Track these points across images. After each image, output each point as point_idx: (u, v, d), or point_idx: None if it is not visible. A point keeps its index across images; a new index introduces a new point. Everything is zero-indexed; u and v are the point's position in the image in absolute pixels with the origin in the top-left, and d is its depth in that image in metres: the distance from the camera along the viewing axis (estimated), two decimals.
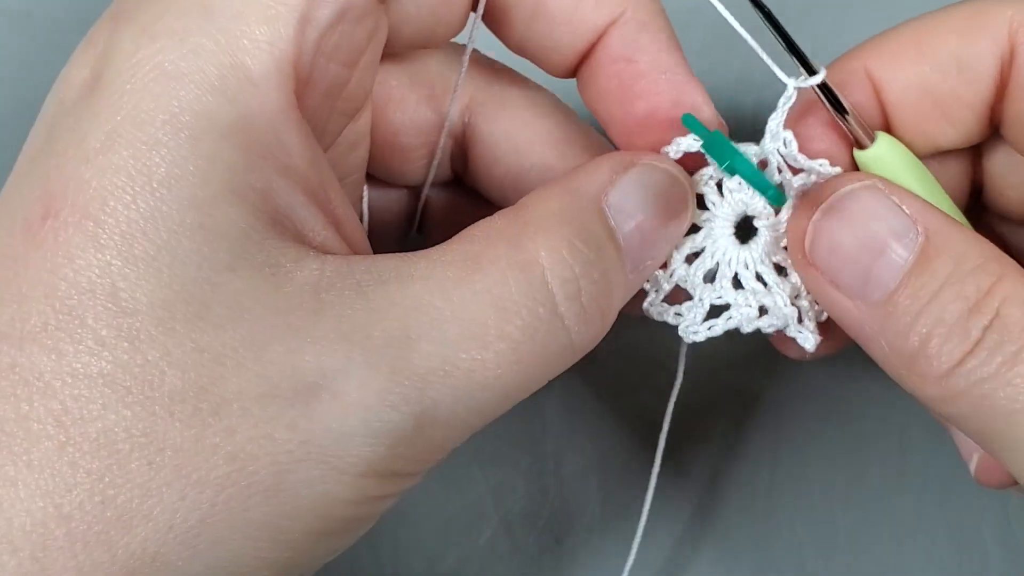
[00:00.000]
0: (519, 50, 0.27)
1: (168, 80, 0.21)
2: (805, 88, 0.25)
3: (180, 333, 0.20)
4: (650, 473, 0.37)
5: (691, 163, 0.26)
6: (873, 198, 0.24)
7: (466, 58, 0.27)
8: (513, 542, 0.37)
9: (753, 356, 0.37)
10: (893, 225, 0.24)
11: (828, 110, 0.25)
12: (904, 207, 0.24)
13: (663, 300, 0.27)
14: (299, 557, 0.21)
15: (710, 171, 0.26)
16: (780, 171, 0.26)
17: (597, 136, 0.28)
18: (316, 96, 0.23)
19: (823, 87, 0.25)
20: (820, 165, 0.26)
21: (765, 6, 0.24)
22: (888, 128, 0.27)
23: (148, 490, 0.19)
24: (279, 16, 0.21)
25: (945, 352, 0.23)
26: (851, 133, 0.26)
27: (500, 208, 0.24)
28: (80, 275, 0.20)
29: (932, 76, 0.26)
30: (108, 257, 0.20)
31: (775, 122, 0.25)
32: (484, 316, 0.21)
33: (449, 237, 0.29)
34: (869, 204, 0.24)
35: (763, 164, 0.26)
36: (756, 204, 0.26)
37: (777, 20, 0.24)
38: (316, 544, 0.21)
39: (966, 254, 0.23)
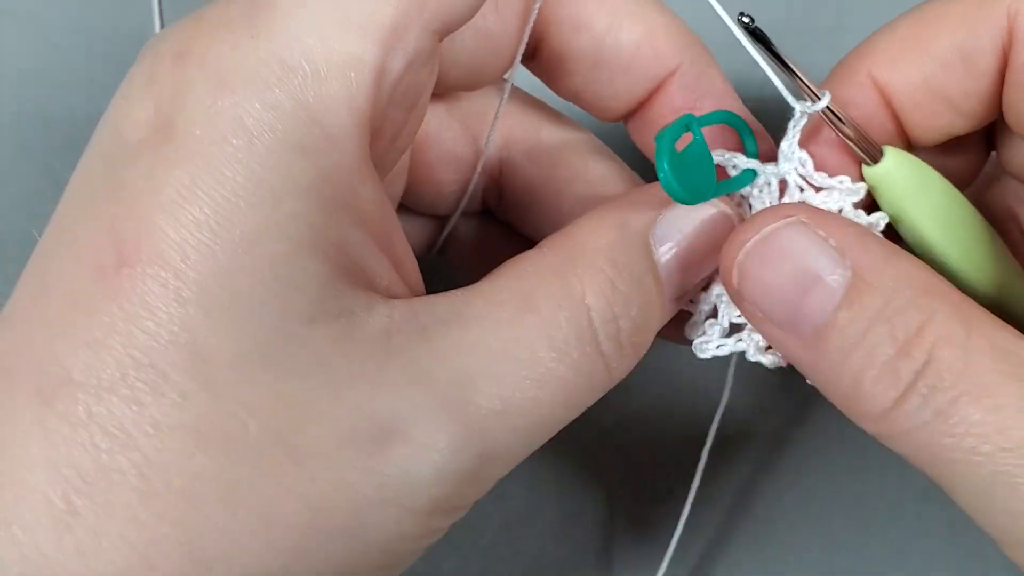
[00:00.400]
0: (571, 98, 0.28)
1: (248, 136, 0.20)
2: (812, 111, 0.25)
3: (260, 383, 0.20)
4: (651, 474, 0.37)
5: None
6: (797, 234, 0.24)
7: (505, 94, 0.28)
8: (513, 542, 0.37)
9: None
10: (819, 261, 0.23)
11: (835, 132, 0.25)
12: (832, 240, 0.23)
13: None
14: None
15: (761, 180, 0.26)
16: (802, 190, 0.26)
17: (638, 177, 0.29)
18: (384, 142, 0.23)
19: (828, 110, 0.25)
20: (840, 183, 0.26)
21: (767, 38, 0.24)
22: (900, 126, 0.27)
23: (232, 538, 0.20)
24: (357, 71, 0.21)
25: (879, 393, 0.23)
26: (857, 153, 0.26)
27: (529, 239, 0.25)
28: (160, 327, 0.20)
29: (938, 72, 0.26)
30: (189, 310, 0.20)
31: (787, 144, 0.26)
32: (540, 355, 0.22)
33: (472, 262, 0.29)
34: (793, 240, 0.24)
35: (783, 185, 0.26)
36: None
37: (778, 51, 0.24)
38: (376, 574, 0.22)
39: (897, 289, 0.23)
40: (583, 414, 0.36)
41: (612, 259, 0.23)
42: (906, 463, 0.23)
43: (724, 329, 0.27)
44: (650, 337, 0.25)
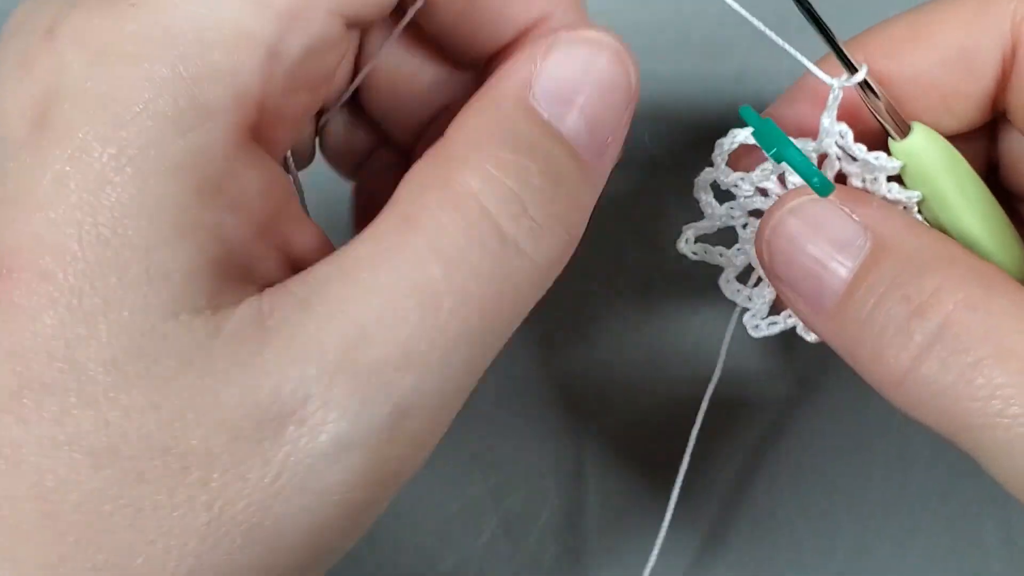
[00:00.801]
0: (437, 36, 0.25)
1: (117, 111, 0.19)
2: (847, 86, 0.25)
3: (135, 391, 0.19)
4: (649, 474, 0.37)
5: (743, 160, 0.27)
6: (822, 209, 0.24)
7: (399, 28, 0.25)
8: (513, 542, 0.37)
9: (753, 359, 0.37)
10: (841, 234, 0.24)
11: (867, 106, 0.25)
12: (855, 215, 0.24)
13: (737, 278, 0.28)
14: None
15: (771, 165, 0.27)
16: (839, 160, 0.26)
17: None
18: (285, 125, 0.22)
19: (863, 84, 0.25)
20: (876, 159, 0.26)
21: (812, 9, 0.23)
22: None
23: (135, 550, 0.19)
24: (245, 44, 0.20)
25: (893, 356, 0.23)
26: (887, 126, 0.26)
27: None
28: (38, 337, 0.19)
29: (935, 70, 0.26)
30: (62, 315, 0.19)
31: (827, 119, 0.25)
32: (431, 276, 0.20)
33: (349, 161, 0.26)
34: (817, 216, 0.24)
35: (822, 158, 0.26)
36: None
37: (823, 21, 0.24)
38: (308, 570, 0.21)
39: (914, 256, 0.23)
40: (586, 415, 0.37)
41: (492, 137, 0.21)
42: (894, 454, 0.23)
43: (771, 298, 0.28)
44: (579, 208, 0.22)
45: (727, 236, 0.29)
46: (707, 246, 0.28)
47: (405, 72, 0.26)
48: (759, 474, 0.37)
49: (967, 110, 0.27)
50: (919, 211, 0.27)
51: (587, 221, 0.22)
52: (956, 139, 0.27)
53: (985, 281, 0.23)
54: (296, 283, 0.20)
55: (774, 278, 0.25)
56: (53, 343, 0.19)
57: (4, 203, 0.20)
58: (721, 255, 0.28)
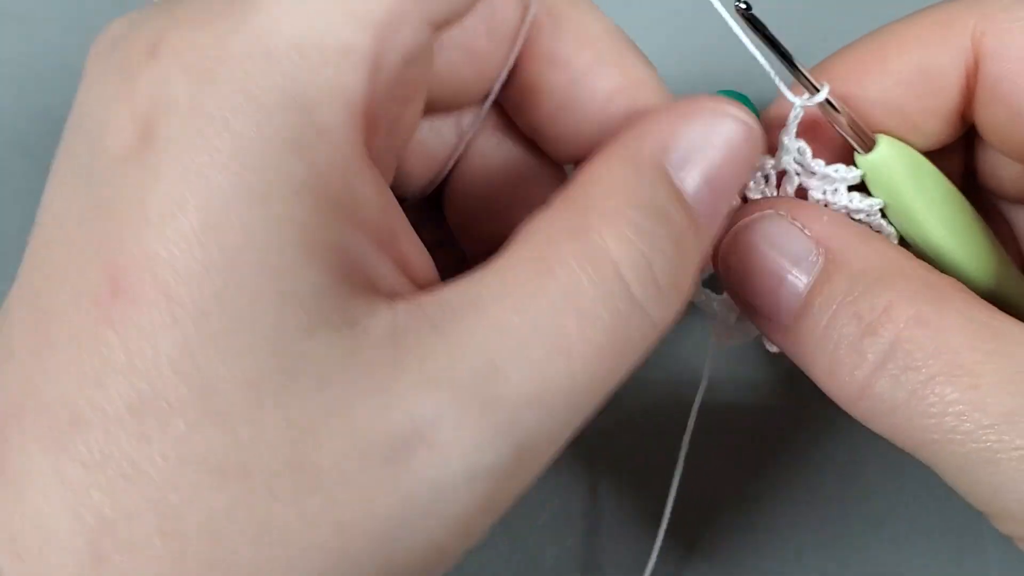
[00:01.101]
0: (531, 132, 0.27)
1: (232, 136, 0.19)
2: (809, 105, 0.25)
3: (268, 408, 0.19)
4: (649, 473, 0.37)
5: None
6: (773, 225, 0.24)
7: (484, 110, 0.27)
8: (513, 542, 0.37)
9: (752, 359, 0.37)
10: (793, 249, 0.24)
11: (831, 124, 0.26)
12: (807, 229, 0.24)
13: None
14: None
15: (758, 174, 0.27)
16: (798, 175, 0.26)
17: (661, 82, 0.27)
18: (380, 138, 0.22)
19: (826, 102, 0.25)
20: (835, 171, 0.26)
21: (764, 26, 0.24)
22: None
23: (259, 570, 0.19)
24: (350, 60, 0.20)
25: (847, 375, 0.23)
26: (851, 142, 0.26)
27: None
28: (160, 355, 0.19)
29: (897, 90, 0.26)
30: (187, 333, 0.19)
31: (787, 137, 0.26)
32: (566, 329, 0.20)
33: (492, 185, 0.27)
34: (769, 231, 0.24)
35: (781, 174, 0.26)
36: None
37: (775, 40, 0.24)
38: None
39: (865, 271, 0.23)
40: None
41: (628, 197, 0.21)
42: (893, 453, 0.23)
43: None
44: (691, 273, 0.23)
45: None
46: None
47: (493, 164, 0.27)
48: (755, 474, 0.37)
49: (935, 127, 0.27)
50: (884, 218, 0.27)
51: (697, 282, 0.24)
52: (933, 154, 0.27)
53: (937, 296, 0.23)
54: (428, 304, 0.20)
55: (733, 293, 0.26)
56: (178, 361, 0.19)
57: (111, 219, 0.19)
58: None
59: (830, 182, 0.26)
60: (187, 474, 0.19)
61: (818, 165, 0.26)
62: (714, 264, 0.26)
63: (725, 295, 0.28)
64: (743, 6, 0.23)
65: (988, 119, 0.26)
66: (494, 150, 0.27)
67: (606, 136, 0.24)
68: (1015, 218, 0.30)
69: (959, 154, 0.29)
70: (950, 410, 0.22)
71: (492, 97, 0.26)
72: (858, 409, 0.23)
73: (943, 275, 0.24)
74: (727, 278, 0.25)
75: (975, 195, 0.30)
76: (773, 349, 0.27)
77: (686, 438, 0.31)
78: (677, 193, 0.22)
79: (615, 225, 0.21)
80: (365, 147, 0.21)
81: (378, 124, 0.21)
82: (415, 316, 0.20)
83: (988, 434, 0.21)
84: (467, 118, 0.27)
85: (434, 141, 0.27)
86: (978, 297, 0.23)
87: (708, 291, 0.28)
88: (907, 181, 0.26)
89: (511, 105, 0.27)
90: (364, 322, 0.20)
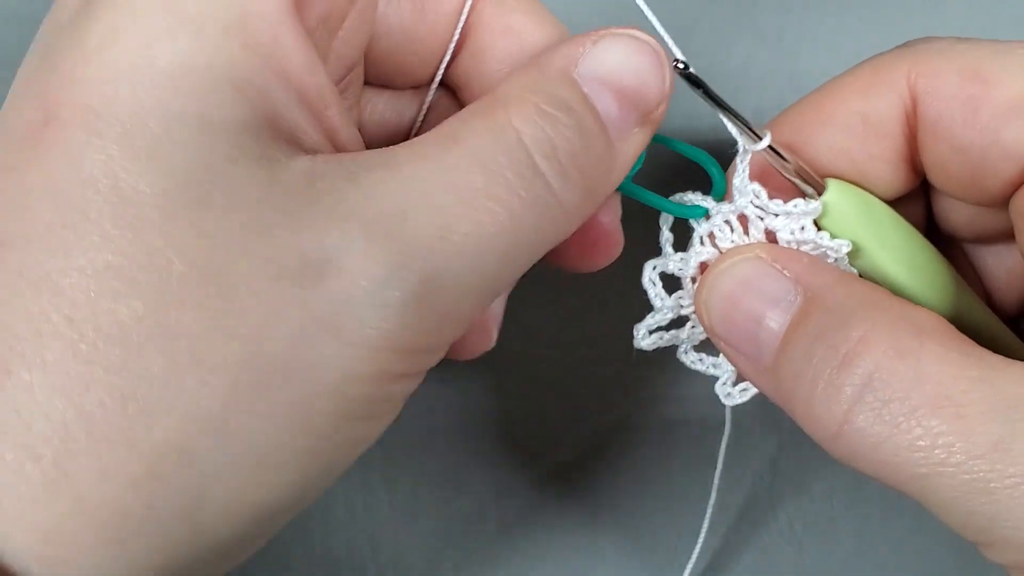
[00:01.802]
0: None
1: None
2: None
3: (184, 220, 0.20)
4: (649, 473, 0.37)
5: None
6: (753, 268, 0.25)
7: (430, 95, 0.27)
8: (513, 543, 0.37)
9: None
10: (772, 290, 0.24)
11: (778, 169, 0.26)
12: (786, 271, 0.24)
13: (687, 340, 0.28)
14: (322, 444, 0.21)
15: (720, 219, 0.27)
16: (762, 219, 0.26)
17: None
18: (314, 16, 0.23)
19: (772, 149, 0.26)
20: (795, 207, 0.26)
21: (702, 82, 0.24)
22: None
23: (167, 381, 0.19)
24: None
25: (826, 410, 0.22)
26: (800, 187, 0.26)
27: None
28: (81, 170, 0.20)
29: (841, 137, 0.27)
30: (109, 149, 0.20)
31: (739, 180, 0.26)
32: (472, 180, 0.21)
33: None
34: (749, 275, 0.25)
35: (743, 219, 0.27)
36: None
37: (715, 95, 0.25)
38: (339, 429, 0.21)
39: (841, 305, 0.23)
40: (588, 415, 0.37)
41: (535, 89, 0.23)
42: None
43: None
44: (598, 169, 0.24)
45: None
46: (663, 334, 0.28)
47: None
48: (758, 475, 0.37)
49: (885, 173, 0.27)
50: (849, 262, 0.27)
51: (607, 195, 0.25)
52: (894, 203, 0.28)
53: (915, 327, 0.22)
54: (345, 158, 0.22)
55: (715, 337, 0.26)
56: (98, 175, 0.19)
57: (50, 64, 0.21)
58: (679, 336, 0.28)
59: (795, 219, 0.26)
60: (99, 283, 0.19)
61: (777, 205, 0.26)
62: (696, 310, 0.26)
63: (720, 355, 0.28)
64: (680, 66, 0.24)
65: (931, 160, 0.26)
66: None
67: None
68: (978, 258, 0.30)
69: (922, 201, 0.30)
70: (940, 442, 0.21)
71: (443, 65, 0.27)
72: (840, 445, 0.23)
73: (920, 308, 0.23)
74: (709, 322, 0.25)
75: (938, 237, 0.30)
76: (730, 402, 0.28)
77: (717, 474, 0.31)
78: (582, 94, 0.23)
79: (520, 107, 0.22)
80: (295, 7, 0.22)
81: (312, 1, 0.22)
82: (332, 166, 0.21)
83: (979, 464, 0.21)
84: (424, 94, 0.28)
85: (393, 119, 0.28)
86: (954, 329, 0.23)
87: (697, 354, 0.28)
88: (859, 220, 0.26)
89: (463, 83, 0.27)
90: (284, 160, 0.21)
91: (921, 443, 0.21)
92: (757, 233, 0.26)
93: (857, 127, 0.27)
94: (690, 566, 0.34)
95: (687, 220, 0.27)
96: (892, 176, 0.27)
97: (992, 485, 0.21)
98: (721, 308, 0.25)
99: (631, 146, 0.25)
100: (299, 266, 0.20)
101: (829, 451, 0.23)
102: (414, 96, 0.28)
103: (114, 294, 0.19)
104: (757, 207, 0.26)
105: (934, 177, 0.27)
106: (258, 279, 0.20)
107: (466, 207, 0.21)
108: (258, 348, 0.20)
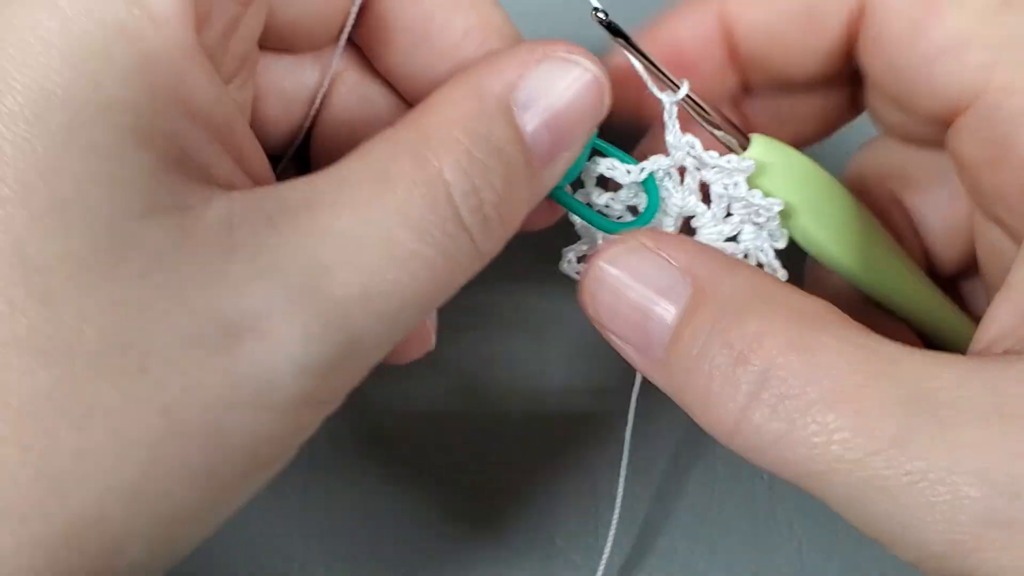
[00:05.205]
0: (386, 73, 0.27)
1: (62, 18, 0.19)
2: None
3: (95, 288, 0.19)
4: (649, 474, 0.37)
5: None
6: (638, 257, 0.24)
7: (335, 60, 0.27)
8: (512, 543, 0.37)
9: None
10: (660, 280, 0.24)
11: (699, 122, 0.26)
12: (672, 260, 0.24)
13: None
14: (230, 495, 0.21)
15: (661, 175, 0.27)
16: (699, 170, 0.26)
17: (513, 26, 0.27)
18: (213, 35, 0.22)
19: (691, 99, 0.25)
20: (727, 161, 0.26)
21: (622, 31, 0.24)
22: (734, 59, 0.28)
23: (82, 455, 0.19)
24: None
25: (722, 406, 0.22)
26: (723, 142, 0.26)
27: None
28: None
29: (782, 22, 0.27)
30: (10, 211, 0.19)
31: (671, 136, 0.26)
32: (398, 237, 0.21)
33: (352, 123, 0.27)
34: (634, 264, 0.24)
35: (682, 171, 0.27)
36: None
37: (635, 43, 0.24)
38: (247, 481, 0.21)
39: (733, 298, 0.23)
40: (586, 415, 0.36)
41: (469, 129, 0.22)
42: None
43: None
44: (521, 209, 0.24)
45: None
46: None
47: (357, 116, 0.28)
48: (757, 475, 0.37)
49: (813, 63, 0.27)
50: (780, 223, 0.26)
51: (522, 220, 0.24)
52: (819, 88, 0.28)
53: (809, 321, 0.22)
54: (265, 198, 0.21)
55: (603, 330, 0.25)
56: (2, 246, 0.19)
57: None
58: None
59: (728, 175, 0.26)
60: (8, 356, 0.19)
61: (711, 157, 0.26)
62: (581, 302, 0.25)
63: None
64: (601, 16, 0.24)
65: (868, 65, 0.26)
66: (357, 104, 0.28)
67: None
68: (915, 208, 0.30)
69: (846, 91, 0.29)
70: (835, 437, 0.21)
71: (346, 32, 0.26)
72: (737, 441, 0.22)
73: (815, 298, 0.23)
74: (595, 314, 0.25)
75: (871, 187, 0.29)
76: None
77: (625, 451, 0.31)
78: (517, 132, 0.23)
79: (452, 153, 0.22)
80: (196, 37, 0.21)
81: (210, 17, 0.22)
82: (251, 207, 0.21)
83: (875, 460, 0.20)
84: (326, 60, 0.28)
85: (294, 85, 0.28)
86: (851, 319, 0.22)
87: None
88: (783, 180, 0.26)
89: (368, 46, 0.27)
90: (199, 209, 0.20)
91: (816, 439, 0.21)
92: (692, 183, 0.26)
93: (800, 15, 0.26)
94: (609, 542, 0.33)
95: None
96: (821, 67, 0.27)
97: (889, 483, 0.20)
98: (607, 299, 0.24)
99: (558, 168, 0.24)
100: (217, 331, 0.20)
101: (727, 445, 0.23)
102: (315, 60, 0.27)
103: (23, 368, 0.19)
104: (693, 156, 0.26)
105: (870, 78, 0.27)
106: (175, 348, 0.19)
107: (390, 264, 0.21)
108: (176, 419, 0.19)
